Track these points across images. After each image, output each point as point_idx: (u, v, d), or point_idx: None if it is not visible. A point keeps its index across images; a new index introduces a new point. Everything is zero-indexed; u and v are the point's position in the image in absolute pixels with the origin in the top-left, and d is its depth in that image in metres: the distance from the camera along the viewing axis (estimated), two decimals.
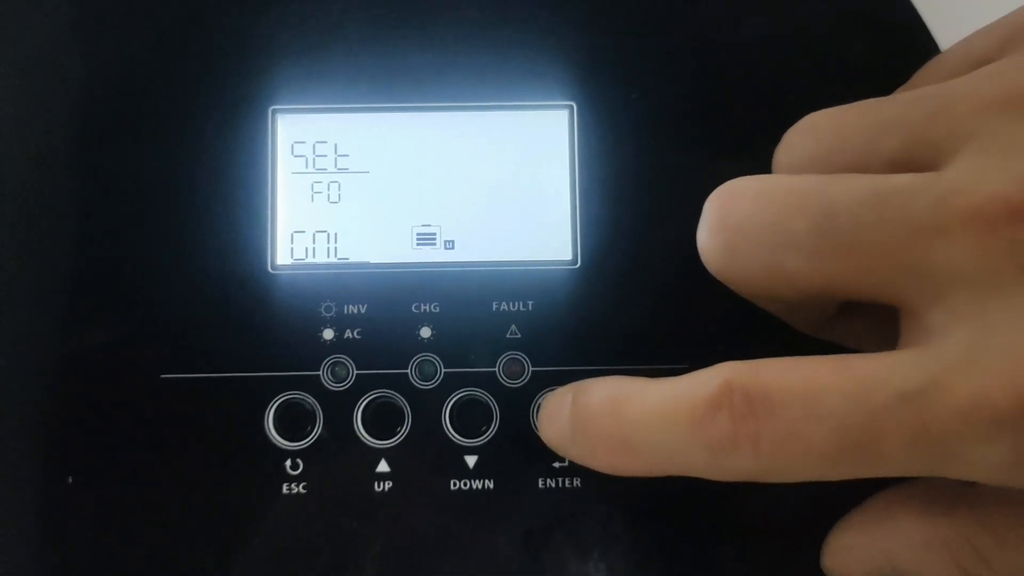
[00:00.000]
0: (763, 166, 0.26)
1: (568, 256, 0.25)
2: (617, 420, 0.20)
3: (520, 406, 0.24)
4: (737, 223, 0.20)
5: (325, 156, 0.25)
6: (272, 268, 0.25)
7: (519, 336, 0.25)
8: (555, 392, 0.23)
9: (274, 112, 0.25)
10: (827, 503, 0.23)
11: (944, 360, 0.17)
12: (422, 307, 0.25)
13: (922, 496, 0.20)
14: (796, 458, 0.18)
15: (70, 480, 0.24)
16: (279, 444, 0.24)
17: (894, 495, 0.21)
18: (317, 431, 0.24)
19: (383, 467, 0.24)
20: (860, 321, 0.23)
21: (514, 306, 0.25)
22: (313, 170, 0.25)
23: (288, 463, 0.24)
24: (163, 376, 0.24)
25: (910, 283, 0.18)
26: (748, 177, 0.20)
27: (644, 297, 0.24)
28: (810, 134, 0.21)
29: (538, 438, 0.23)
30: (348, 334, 0.25)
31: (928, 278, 0.18)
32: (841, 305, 0.23)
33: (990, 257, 0.17)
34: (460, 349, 0.25)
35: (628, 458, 0.20)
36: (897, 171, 0.19)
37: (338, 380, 0.24)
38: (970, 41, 0.23)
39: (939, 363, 0.17)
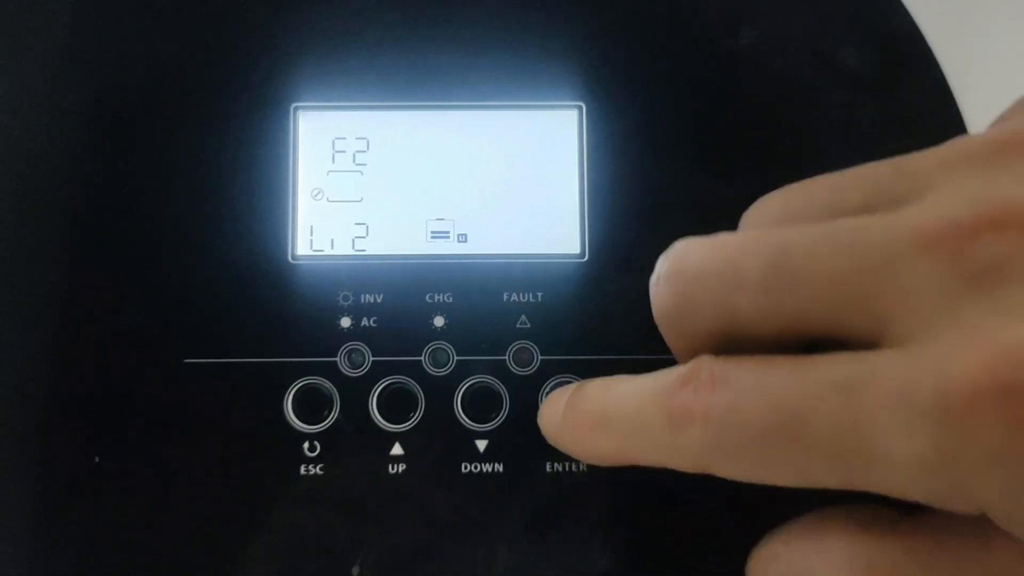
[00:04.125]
0: (765, 165, 0.27)
1: (576, 250, 0.26)
2: (604, 395, 0.22)
3: (529, 393, 0.25)
4: (691, 268, 0.20)
5: (344, 152, 0.26)
6: (292, 259, 0.26)
7: (528, 326, 0.26)
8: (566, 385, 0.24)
9: (296, 109, 0.26)
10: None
11: (882, 359, 0.18)
12: (436, 297, 0.26)
13: (856, 518, 0.20)
14: (734, 434, 0.19)
15: (97, 460, 0.25)
16: (297, 427, 0.25)
17: (829, 512, 0.21)
18: (334, 415, 0.25)
19: (397, 450, 0.25)
20: None
21: (524, 297, 0.26)
22: (332, 165, 0.26)
23: (306, 446, 0.25)
24: (187, 361, 0.25)
25: (861, 311, 0.18)
26: (700, 236, 0.21)
27: (648, 290, 0.25)
28: (780, 195, 0.22)
29: None
30: (365, 322, 0.25)
31: (883, 301, 0.18)
32: None
33: (938, 275, 0.17)
34: (472, 338, 0.26)
35: (604, 435, 0.21)
36: None
37: (355, 366, 0.25)
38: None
39: (877, 361, 0.18)
